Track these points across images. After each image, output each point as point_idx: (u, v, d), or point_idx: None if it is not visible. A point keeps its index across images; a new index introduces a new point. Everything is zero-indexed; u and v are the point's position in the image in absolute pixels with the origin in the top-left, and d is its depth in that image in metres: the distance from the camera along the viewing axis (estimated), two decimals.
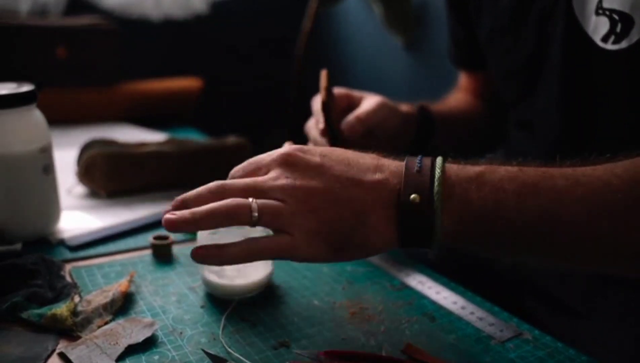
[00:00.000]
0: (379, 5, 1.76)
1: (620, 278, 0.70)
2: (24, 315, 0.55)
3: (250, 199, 0.50)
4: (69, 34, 1.31)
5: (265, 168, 0.53)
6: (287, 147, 0.53)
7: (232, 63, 2.04)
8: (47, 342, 0.52)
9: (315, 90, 0.81)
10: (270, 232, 0.53)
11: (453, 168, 0.50)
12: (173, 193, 0.87)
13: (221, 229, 0.57)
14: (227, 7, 1.92)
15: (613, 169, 0.49)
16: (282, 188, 0.50)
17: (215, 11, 1.88)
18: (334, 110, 0.76)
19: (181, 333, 0.55)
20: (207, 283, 0.62)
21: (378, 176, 0.50)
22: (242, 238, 0.60)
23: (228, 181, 0.53)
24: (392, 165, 0.51)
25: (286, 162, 0.51)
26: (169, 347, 0.53)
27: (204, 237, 0.61)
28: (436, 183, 0.48)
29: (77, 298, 0.58)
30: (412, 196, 0.48)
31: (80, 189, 0.88)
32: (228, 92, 2.02)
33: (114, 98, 1.34)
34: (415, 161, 0.50)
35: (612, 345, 0.66)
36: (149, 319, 0.56)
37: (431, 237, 0.49)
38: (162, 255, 0.70)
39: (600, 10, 0.61)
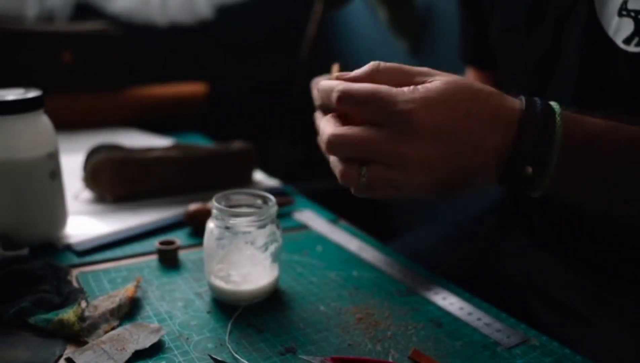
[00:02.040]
0: (384, 9, 1.76)
1: (626, 283, 0.70)
2: (32, 320, 0.55)
3: (362, 169, 0.50)
4: (76, 40, 1.31)
5: (391, 99, 0.48)
6: (415, 102, 0.48)
7: (237, 68, 2.04)
8: (54, 347, 0.52)
9: None
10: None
11: (570, 129, 0.50)
12: (179, 198, 0.88)
13: (229, 242, 0.59)
14: (232, 11, 1.92)
15: None
16: (396, 157, 0.48)
17: (221, 16, 1.88)
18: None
19: (188, 338, 0.55)
20: (214, 289, 0.62)
21: (495, 142, 0.49)
22: (248, 255, 0.61)
23: (339, 134, 0.50)
24: (509, 124, 0.50)
25: (408, 121, 0.47)
26: (176, 352, 0.53)
27: (211, 245, 0.61)
28: (556, 145, 0.49)
29: (84, 304, 0.58)
30: (527, 168, 0.50)
31: (87, 194, 0.88)
32: (233, 97, 2.03)
33: (120, 103, 1.35)
34: (532, 127, 0.49)
35: (619, 352, 0.66)
36: (155, 325, 0.56)
37: (534, 190, 0.51)
38: (168, 260, 0.70)
39: (624, 11, 0.60)
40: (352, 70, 0.53)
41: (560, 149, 0.49)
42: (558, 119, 0.50)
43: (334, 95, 0.50)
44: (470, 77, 0.99)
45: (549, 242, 0.79)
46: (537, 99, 0.52)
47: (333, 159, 0.52)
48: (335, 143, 0.50)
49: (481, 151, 0.50)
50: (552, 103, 0.51)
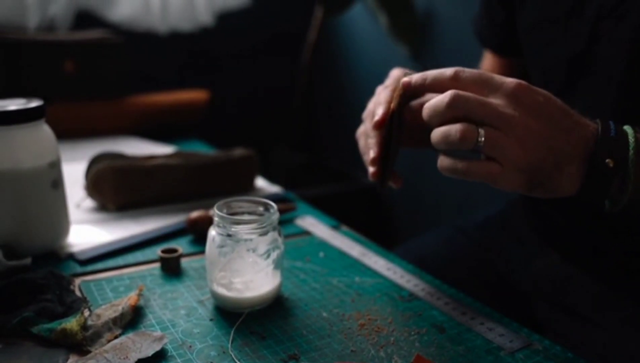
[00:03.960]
0: (385, 14, 1.77)
1: (636, 285, 0.70)
2: (34, 330, 0.55)
3: (477, 127, 0.53)
4: (77, 48, 1.32)
5: (493, 89, 0.54)
6: (517, 80, 0.54)
7: (238, 74, 2.05)
8: (57, 357, 0.52)
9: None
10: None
11: None
12: (181, 206, 0.88)
13: (231, 250, 0.58)
14: (233, 18, 1.93)
15: None
16: (508, 119, 0.52)
17: (221, 23, 1.89)
18: (403, 125, 0.67)
19: (190, 346, 0.55)
20: (216, 296, 0.62)
21: (583, 133, 0.54)
22: (250, 263, 0.60)
23: (462, 93, 0.54)
24: (591, 125, 0.55)
25: (515, 93, 0.53)
26: (179, 360, 0.53)
27: (213, 253, 0.61)
28: (631, 151, 0.53)
29: (86, 313, 0.58)
30: (607, 160, 0.53)
31: (89, 203, 0.88)
32: (234, 104, 2.03)
33: (121, 111, 1.35)
34: (610, 126, 0.55)
35: (630, 355, 0.66)
36: (158, 333, 0.56)
37: (607, 197, 0.55)
38: (171, 268, 0.70)
39: None
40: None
41: (635, 154, 0.53)
42: (630, 131, 0.55)
43: (448, 73, 0.56)
44: (488, 62, 0.96)
45: (556, 243, 0.79)
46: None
47: (444, 127, 0.55)
48: (460, 100, 0.53)
49: (571, 138, 0.54)
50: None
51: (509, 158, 0.53)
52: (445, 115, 0.54)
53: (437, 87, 0.57)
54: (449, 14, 1.69)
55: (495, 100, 0.54)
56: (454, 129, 0.53)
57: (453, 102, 0.53)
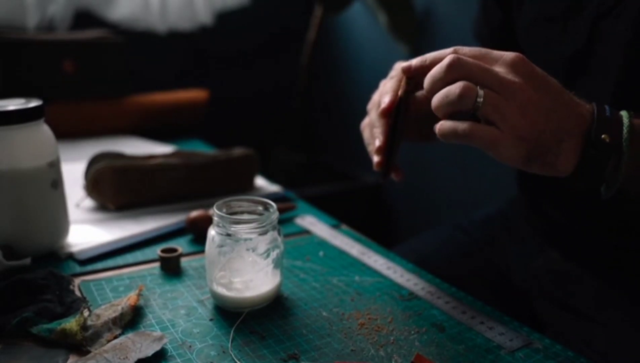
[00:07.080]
0: (384, 13, 1.77)
1: (636, 282, 0.70)
2: (34, 330, 0.55)
3: (477, 86, 0.53)
4: (76, 48, 1.32)
5: (492, 61, 0.55)
6: (516, 53, 0.55)
7: (238, 73, 2.05)
8: (57, 357, 0.52)
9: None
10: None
11: (636, 120, 0.55)
12: (181, 205, 0.88)
13: (230, 249, 0.58)
14: (232, 18, 1.93)
15: None
16: (509, 84, 0.52)
17: (220, 22, 1.89)
18: (407, 115, 0.68)
19: (190, 346, 0.55)
20: (216, 296, 0.62)
21: (580, 110, 0.55)
22: (250, 262, 0.60)
23: (462, 57, 0.54)
24: (587, 105, 0.56)
25: (514, 63, 0.54)
26: (179, 360, 0.53)
27: (213, 252, 0.61)
28: (625, 129, 0.54)
29: (86, 313, 0.58)
30: (603, 135, 0.53)
31: (89, 203, 0.88)
32: (234, 103, 2.03)
33: (121, 111, 1.35)
34: (605, 107, 0.55)
35: (631, 352, 0.66)
36: (158, 333, 0.56)
37: (604, 176, 0.54)
38: (171, 268, 0.70)
39: None
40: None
41: (629, 133, 0.54)
42: (625, 113, 0.55)
43: (447, 51, 0.57)
44: None
45: (556, 241, 0.79)
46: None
47: (444, 89, 0.54)
48: (460, 62, 0.54)
49: (569, 113, 0.54)
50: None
51: (509, 123, 0.52)
52: (446, 78, 0.54)
53: None
54: (448, 12, 1.69)
55: (499, 68, 0.54)
56: (453, 87, 0.53)
57: (453, 63, 0.54)
